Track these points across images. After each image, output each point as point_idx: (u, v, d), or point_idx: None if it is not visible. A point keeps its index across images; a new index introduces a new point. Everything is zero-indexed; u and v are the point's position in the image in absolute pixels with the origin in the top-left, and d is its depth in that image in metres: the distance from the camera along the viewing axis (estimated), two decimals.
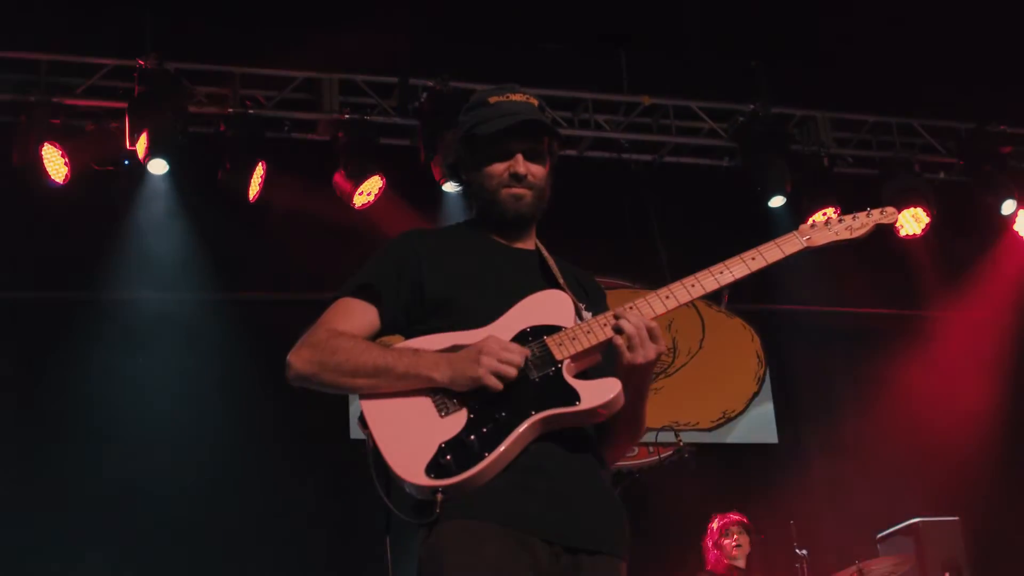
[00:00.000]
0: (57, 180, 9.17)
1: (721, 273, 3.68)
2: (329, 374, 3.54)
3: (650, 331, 3.52)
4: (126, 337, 9.61)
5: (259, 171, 9.62)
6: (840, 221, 3.79)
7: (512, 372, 3.41)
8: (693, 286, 3.66)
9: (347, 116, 9.98)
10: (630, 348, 3.50)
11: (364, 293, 3.69)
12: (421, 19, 9.84)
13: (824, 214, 10.76)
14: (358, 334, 3.60)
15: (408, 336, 3.65)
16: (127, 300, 9.76)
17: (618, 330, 3.52)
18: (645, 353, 3.50)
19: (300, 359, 3.59)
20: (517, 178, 3.75)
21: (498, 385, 3.40)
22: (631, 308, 3.57)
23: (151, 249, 9.78)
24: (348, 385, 3.54)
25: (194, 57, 9.78)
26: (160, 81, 9.40)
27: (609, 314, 3.58)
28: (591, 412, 3.49)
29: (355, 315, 3.67)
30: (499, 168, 3.77)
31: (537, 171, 3.80)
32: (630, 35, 10.61)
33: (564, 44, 10.45)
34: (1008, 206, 11.11)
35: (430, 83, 10.07)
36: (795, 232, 3.76)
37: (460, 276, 3.70)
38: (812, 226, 3.78)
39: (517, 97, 3.84)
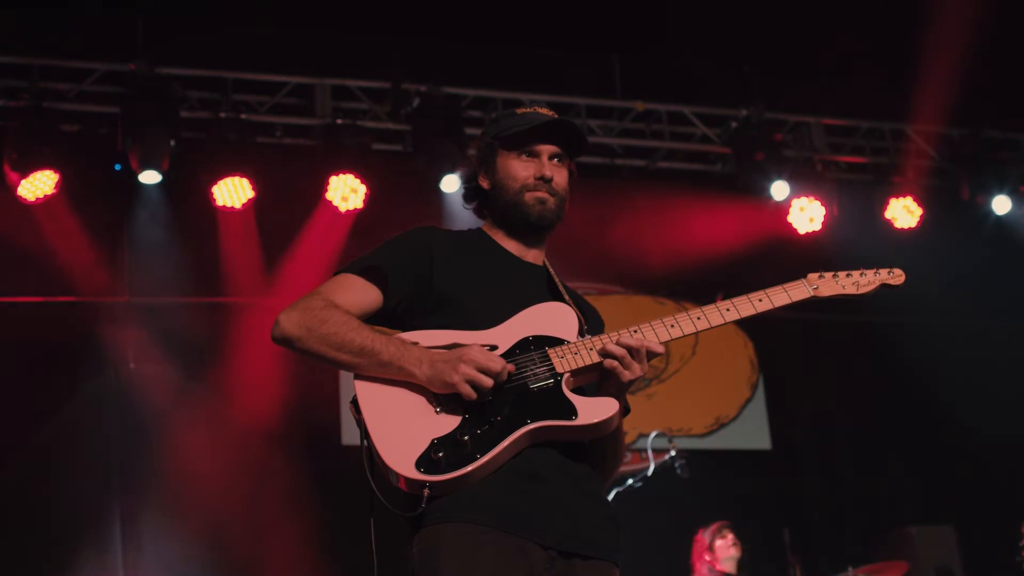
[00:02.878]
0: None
1: (728, 310, 3.69)
2: (314, 342, 3.53)
3: (652, 354, 3.55)
4: (122, 342, 9.61)
5: None
6: (848, 276, 3.84)
7: (488, 383, 3.40)
8: (699, 319, 3.67)
9: (340, 121, 9.97)
10: (632, 369, 3.52)
11: (370, 274, 3.68)
12: (414, 24, 9.83)
13: (805, 209, 10.84)
14: (353, 311, 3.59)
15: (406, 331, 3.64)
16: (120, 305, 9.75)
17: (620, 345, 3.53)
18: (633, 371, 3.53)
19: (289, 320, 3.57)
20: (544, 180, 3.79)
21: (471, 394, 3.39)
22: (636, 332, 3.60)
23: (143, 254, 9.77)
24: (330, 357, 3.53)
25: (186, 62, 9.74)
26: (151, 86, 9.38)
27: (612, 334, 3.59)
28: (586, 428, 3.49)
29: (355, 292, 3.66)
30: (525, 170, 3.81)
31: (561, 178, 3.85)
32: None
33: (558, 49, 10.43)
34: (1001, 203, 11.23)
35: (423, 88, 10.05)
36: (804, 280, 3.80)
37: (468, 277, 3.71)
38: (820, 276, 3.82)
39: (544, 111, 3.90)
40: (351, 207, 9.88)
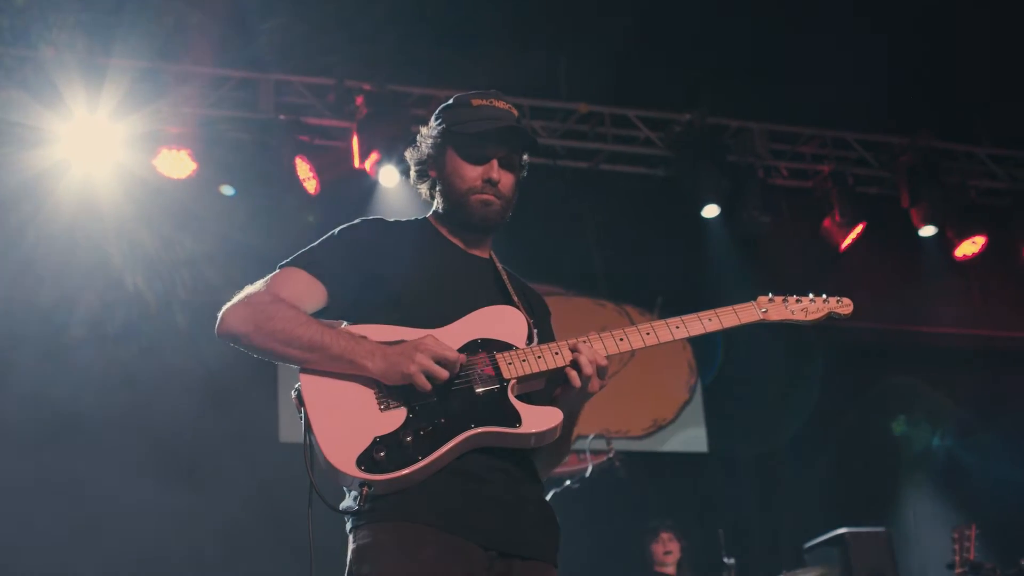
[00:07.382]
0: None
1: (677, 328, 3.74)
2: (262, 338, 3.49)
3: (600, 367, 3.56)
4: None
5: None
6: (798, 302, 3.92)
7: (444, 374, 3.39)
8: (648, 334, 3.71)
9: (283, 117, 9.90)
10: (581, 381, 3.54)
11: (314, 269, 3.65)
12: (359, 21, 9.78)
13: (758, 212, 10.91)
14: (298, 306, 3.55)
15: (354, 324, 3.61)
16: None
17: (573, 362, 3.55)
18: (591, 387, 3.56)
19: (236, 316, 3.53)
20: (491, 183, 3.78)
21: (426, 385, 3.38)
22: (584, 342, 3.61)
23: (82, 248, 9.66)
24: (279, 352, 3.50)
25: (129, 55, 9.63)
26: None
27: (562, 343, 3.61)
28: (529, 436, 3.50)
29: (300, 287, 3.62)
30: (473, 172, 3.79)
31: (508, 181, 3.84)
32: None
33: (501, 49, 10.42)
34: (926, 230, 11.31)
35: (366, 86, 10.01)
36: (754, 303, 3.87)
37: (416, 272, 3.69)
38: (770, 300, 3.89)
39: (500, 104, 3.88)
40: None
